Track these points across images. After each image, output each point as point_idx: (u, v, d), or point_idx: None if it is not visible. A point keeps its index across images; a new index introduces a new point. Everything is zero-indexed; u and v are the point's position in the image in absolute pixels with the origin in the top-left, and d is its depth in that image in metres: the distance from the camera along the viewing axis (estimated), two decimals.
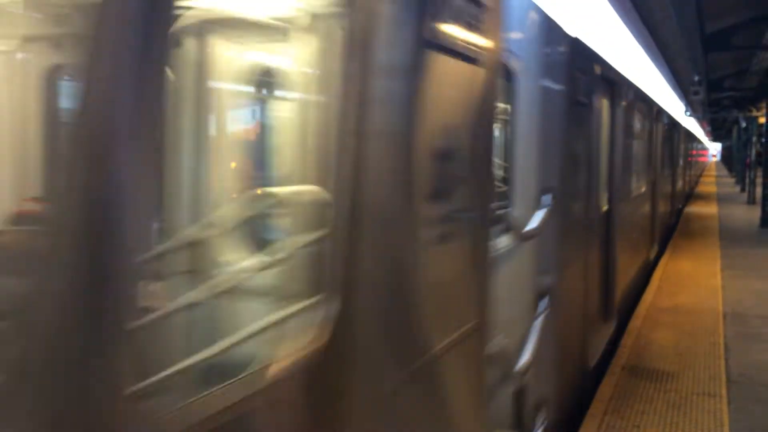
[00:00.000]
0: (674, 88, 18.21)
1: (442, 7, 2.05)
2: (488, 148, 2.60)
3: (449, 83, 2.19)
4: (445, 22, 2.07)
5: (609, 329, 6.03)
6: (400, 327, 1.93)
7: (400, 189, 1.88)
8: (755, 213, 16.76)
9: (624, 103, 6.55)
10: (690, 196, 25.56)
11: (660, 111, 10.08)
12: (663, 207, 11.81)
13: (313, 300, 1.56)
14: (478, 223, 2.53)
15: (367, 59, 1.67)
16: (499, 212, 3.37)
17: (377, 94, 1.73)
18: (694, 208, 20.79)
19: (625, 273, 7.09)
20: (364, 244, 1.70)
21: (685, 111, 18.66)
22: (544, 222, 3.51)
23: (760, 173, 22.56)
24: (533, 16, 3.65)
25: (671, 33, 10.38)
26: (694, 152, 31.84)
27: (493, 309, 2.67)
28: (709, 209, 20.25)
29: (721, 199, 23.67)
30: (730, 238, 13.78)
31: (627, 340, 6.68)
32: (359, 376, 1.70)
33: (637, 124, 8.01)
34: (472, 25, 2.26)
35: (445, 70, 2.13)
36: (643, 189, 8.79)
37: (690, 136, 23.42)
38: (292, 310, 1.61)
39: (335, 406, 1.60)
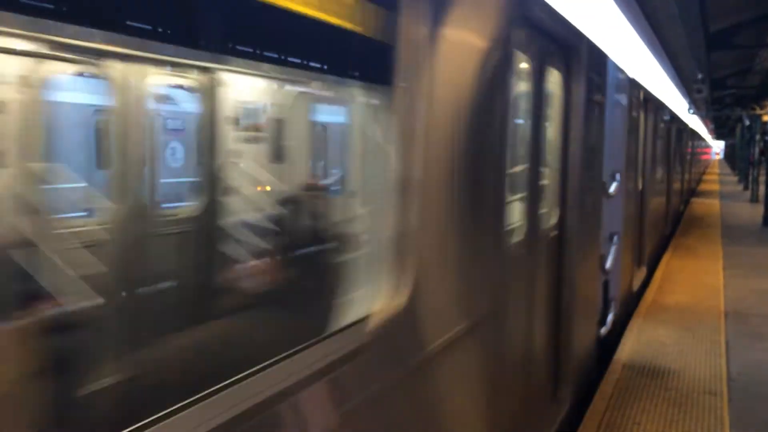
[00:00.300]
0: (678, 86, 18.23)
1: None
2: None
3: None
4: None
5: (642, 273, 8.59)
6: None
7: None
8: (758, 211, 16.75)
9: (652, 114, 9.10)
10: (694, 191, 25.58)
11: (673, 116, 12.25)
12: (674, 195, 14.42)
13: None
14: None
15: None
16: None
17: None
18: (697, 206, 20.79)
19: (651, 238, 9.69)
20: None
21: (689, 109, 18.67)
22: (616, 190, 5.63)
23: (763, 171, 22.58)
24: (621, 74, 6.14)
25: (675, 31, 10.38)
26: (699, 150, 32.71)
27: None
28: (712, 207, 20.25)
29: (724, 197, 23.67)
30: (732, 236, 13.80)
31: (628, 338, 6.71)
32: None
33: (660, 128, 10.32)
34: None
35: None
36: (664, 176, 11.45)
37: (694, 135, 23.92)
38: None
39: (420, 337, 2.18)
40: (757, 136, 24.09)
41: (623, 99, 6.60)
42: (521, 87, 3.27)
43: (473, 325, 2.63)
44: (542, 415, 4.02)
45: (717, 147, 74.46)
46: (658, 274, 9.96)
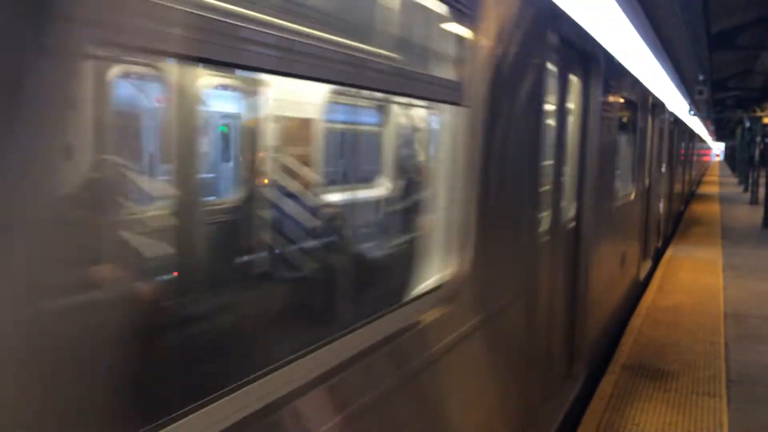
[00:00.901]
0: (679, 87, 18.19)
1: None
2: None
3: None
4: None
5: (648, 265, 9.37)
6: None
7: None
8: (758, 213, 16.74)
9: (658, 116, 9.66)
10: (694, 193, 25.55)
11: (676, 119, 12.84)
12: (676, 196, 15.11)
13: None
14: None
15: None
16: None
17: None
18: (697, 207, 20.77)
19: (655, 233, 10.30)
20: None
21: (690, 110, 18.64)
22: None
23: (762, 173, 22.55)
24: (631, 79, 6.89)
25: (677, 31, 10.35)
26: (699, 151, 32.95)
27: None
28: (712, 208, 20.23)
29: (724, 199, 23.65)
30: (732, 238, 13.77)
31: (627, 339, 6.69)
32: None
33: (664, 130, 10.93)
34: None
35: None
36: (667, 176, 12.08)
37: (695, 136, 24.16)
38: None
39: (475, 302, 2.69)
40: (758, 138, 24.07)
41: (634, 103, 7.17)
42: (551, 94, 3.77)
43: (514, 299, 3.21)
44: (559, 388, 4.36)
45: (717, 149, 74.47)
46: (658, 274, 9.94)
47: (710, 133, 51.09)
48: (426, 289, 2.36)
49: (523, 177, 3.23)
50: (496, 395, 3.10)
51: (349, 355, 1.77)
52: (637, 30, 10.13)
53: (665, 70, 15.10)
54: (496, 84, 2.71)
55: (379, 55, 2.15)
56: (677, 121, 14.30)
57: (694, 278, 9.63)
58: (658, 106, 9.74)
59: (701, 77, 13.92)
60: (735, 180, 37.65)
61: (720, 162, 74.96)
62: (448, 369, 2.48)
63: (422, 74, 2.40)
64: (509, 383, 3.27)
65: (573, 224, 4.67)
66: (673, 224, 15.02)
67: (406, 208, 4.27)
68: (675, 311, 7.78)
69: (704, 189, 31.35)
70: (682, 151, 17.34)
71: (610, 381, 5.53)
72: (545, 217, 3.85)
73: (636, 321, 7.38)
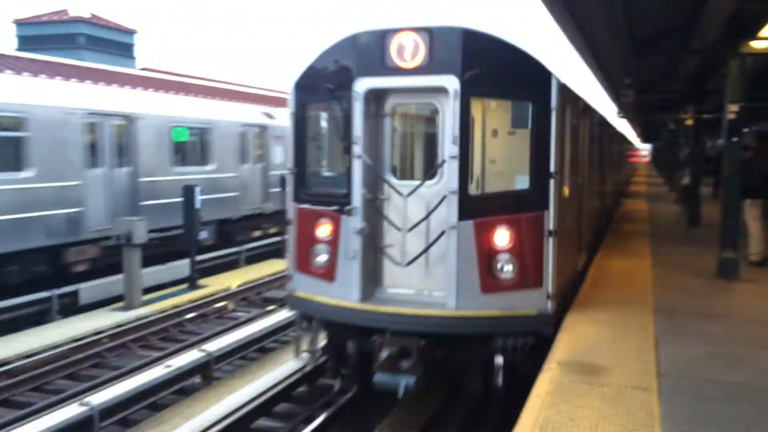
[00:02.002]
0: (607, 91, 18.76)
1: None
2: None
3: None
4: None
5: (583, 258, 10.13)
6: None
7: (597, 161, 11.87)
8: (683, 212, 17.43)
9: (588, 119, 9.99)
10: (623, 192, 26.37)
11: (606, 122, 13.71)
12: (607, 196, 16.54)
13: None
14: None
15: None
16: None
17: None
18: (627, 207, 21.48)
19: (588, 229, 11.02)
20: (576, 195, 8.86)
21: (618, 113, 19.29)
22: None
23: (687, 174, 23.44)
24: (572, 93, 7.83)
25: (604, 38, 10.70)
26: (628, 153, 34.52)
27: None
28: (641, 208, 20.96)
29: (652, 199, 24.52)
30: (659, 236, 14.31)
31: (563, 336, 6.84)
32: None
33: (594, 132, 11.49)
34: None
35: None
36: (598, 176, 13.12)
37: (623, 138, 25.22)
38: None
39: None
40: (681, 140, 25.06)
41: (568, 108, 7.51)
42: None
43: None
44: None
45: (645, 150, 77.16)
46: (591, 271, 10.23)
47: (638, 135, 53.00)
48: None
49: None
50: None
51: None
52: (570, 41, 10.48)
53: (594, 74, 15.57)
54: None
55: None
56: (607, 124, 15.15)
57: (626, 275, 9.95)
58: (588, 110, 10.12)
59: (627, 81, 14.42)
60: (661, 180, 39.09)
61: (648, 163, 77.67)
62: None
63: None
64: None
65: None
66: (605, 222, 15.93)
67: None
68: (608, 307, 8.01)
69: (633, 189, 32.45)
70: (612, 153, 18.66)
71: (546, 378, 5.65)
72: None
73: (570, 318, 7.56)
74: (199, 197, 14.08)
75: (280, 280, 15.58)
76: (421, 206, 6.89)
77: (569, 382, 5.54)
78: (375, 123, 7.04)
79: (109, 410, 7.31)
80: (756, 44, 9.32)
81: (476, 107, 6.97)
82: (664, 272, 10.17)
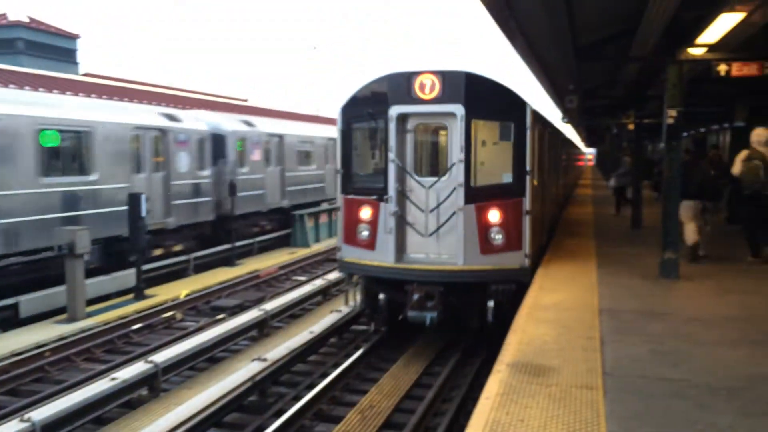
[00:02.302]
0: (552, 96, 19.14)
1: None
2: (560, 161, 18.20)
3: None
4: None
5: (545, 235, 13.13)
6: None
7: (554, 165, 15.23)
8: (627, 214, 17.89)
9: (538, 124, 11.11)
10: (570, 196, 26.92)
11: (552, 127, 14.35)
12: (555, 199, 17.43)
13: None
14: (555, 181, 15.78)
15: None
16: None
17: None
18: (573, 209, 21.94)
19: (550, 210, 14.47)
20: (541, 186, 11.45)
21: (563, 118, 19.71)
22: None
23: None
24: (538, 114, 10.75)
25: (548, 46, 10.92)
26: (574, 157, 35.57)
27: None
28: (586, 210, 21.43)
29: (596, 202, 25.08)
30: (604, 237, 14.66)
31: (512, 338, 6.94)
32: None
33: (552, 142, 14.13)
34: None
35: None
36: (557, 172, 16.71)
37: (569, 143, 26.40)
38: None
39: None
40: (624, 144, 25.74)
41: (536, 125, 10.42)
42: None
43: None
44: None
45: (590, 154, 78.96)
46: (540, 273, 10.41)
47: (582, 139, 54.24)
48: None
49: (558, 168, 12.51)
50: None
51: None
52: (516, 50, 10.65)
53: (540, 81, 15.86)
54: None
55: None
56: (553, 129, 15.90)
57: (572, 276, 10.16)
58: (547, 124, 12.58)
59: (571, 87, 14.75)
60: (605, 183, 40.04)
61: (593, 166, 79.51)
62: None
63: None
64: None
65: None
66: (558, 212, 18.43)
67: None
68: (555, 308, 8.16)
69: (579, 192, 33.15)
70: (563, 157, 21.26)
71: (496, 380, 5.72)
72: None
73: (520, 320, 7.68)
74: (144, 205, 13.79)
75: (230, 288, 15.38)
76: (435, 195, 9.79)
77: (518, 384, 5.62)
78: (402, 137, 9.85)
79: (51, 426, 7.07)
80: (693, 51, 9.65)
81: (472, 125, 9.59)
82: (609, 273, 10.42)
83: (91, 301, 13.18)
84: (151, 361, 8.68)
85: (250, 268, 17.78)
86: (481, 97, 9.60)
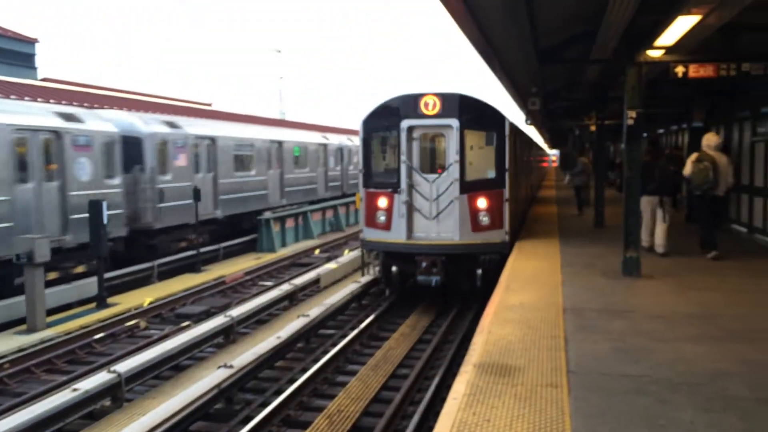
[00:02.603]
0: (515, 98, 19.34)
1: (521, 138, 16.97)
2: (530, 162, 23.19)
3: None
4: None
5: (519, 221, 15.94)
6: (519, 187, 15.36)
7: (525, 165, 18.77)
8: (589, 214, 18.16)
9: (521, 138, 15.09)
10: (535, 198, 27.21)
11: (517, 129, 15.56)
12: (522, 190, 19.44)
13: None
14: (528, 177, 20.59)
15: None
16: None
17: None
18: (538, 209, 22.18)
19: (523, 200, 18.27)
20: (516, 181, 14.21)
21: (526, 120, 19.94)
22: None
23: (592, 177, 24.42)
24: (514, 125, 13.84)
25: (510, 49, 11.03)
26: (538, 158, 36.80)
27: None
28: (550, 211, 21.69)
29: (560, 202, 25.40)
30: (568, 237, 14.85)
31: (478, 339, 6.98)
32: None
33: (522, 146, 16.80)
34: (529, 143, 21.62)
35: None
36: (526, 170, 19.84)
37: (533, 144, 27.70)
38: None
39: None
40: (587, 145, 26.13)
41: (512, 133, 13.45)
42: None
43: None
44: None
45: (554, 155, 79.95)
46: (505, 273, 10.49)
47: (545, 141, 54.94)
48: None
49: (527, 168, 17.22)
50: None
51: None
52: (480, 53, 10.72)
53: (503, 84, 16.01)
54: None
55: None
56: (525, 137, 17.35)
57: (537, 276, 10.26)
58: (519, 131, 15.70)
59: (534, 89, 14.92)
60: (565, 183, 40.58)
61: (557, 168, 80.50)
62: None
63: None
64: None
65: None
66: (527, 205, 21.37)
67: None
68: (521, 308, 8.24)
69: (543, 193, 33.53)
70: (529, 159, 23.49)
71: (462, 381, 5.74)
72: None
73: (485, 321, 7.72)
74: (105, 212, 13.54)
75: (195, 294, 15.19)
76: (436, 188, 12.54)
77: (484, 384, 5.65)
78: (410, 143, 12.56)
79: None
80: (652, 53, 9.85)
81: (464, 134, 12.44)
82: (573, 272, 10.55)
83: (52, 311, 12.90)
84: (114, 371, 8.51)
85: (216, 274, 17.59)
86: (471, 113, 12.50)
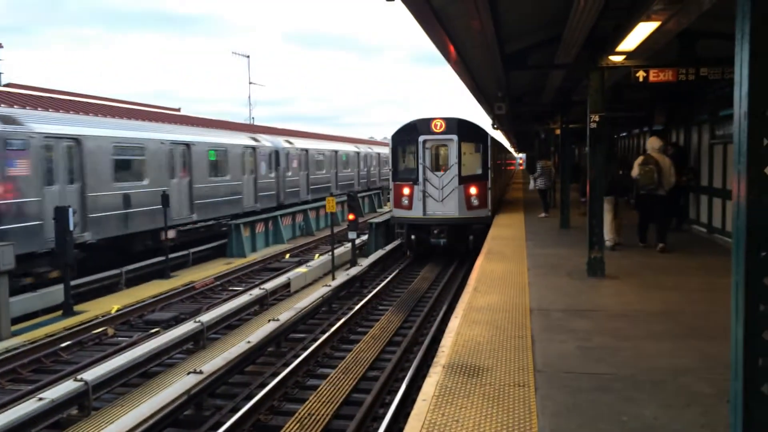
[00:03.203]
0: (482, 103, 19.54)
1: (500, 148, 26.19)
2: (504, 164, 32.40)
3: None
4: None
5: (497, 205, 21.95)
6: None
7: (498, 166, 25.50)
8: (556, 216, 18.43)
9: (497, 147, 23.43)
10: (502, 200, 27.52)
11: (501, 146, 24.73)
12: (502, 180, 27.35)
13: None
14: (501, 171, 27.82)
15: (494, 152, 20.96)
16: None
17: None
18: (505, 211, 22.44)
19: (499, 190, 26.09)
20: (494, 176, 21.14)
21: (492, 124, 20.20)
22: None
23: (558, 180, 24.78)
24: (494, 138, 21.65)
25: (476, 55, 11.17)
26: (506, 161, 38.53)
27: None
28: (517, 213, 21.95)
29: (527, 204, 25.71)
30: (535, 239, 15.06)
31: (447, 340, 7.07)
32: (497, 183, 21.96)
33: (497, 153, 23.18)
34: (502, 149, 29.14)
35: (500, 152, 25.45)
36: (500, 169, 27.03)
37: (503, 147, 33.36)
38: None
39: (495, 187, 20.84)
40: (552, 148, 26.50)
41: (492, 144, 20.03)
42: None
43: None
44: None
45: (520, 158, 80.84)
46: (474, 276, 10.61)
47: (512, 145, 55.55)
48: None
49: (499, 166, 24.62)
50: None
51: None
52: (447, 59, 10.80)
53: (470, 89, 16.18)
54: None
55: None
56: (501, 146, 24.86)
57: (504, 278, 10.41)
58: (496, 141, 21.72)
59: (500, 94, 15.12)
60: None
61: (523, 170, 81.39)
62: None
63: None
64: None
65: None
66: (501, 199, 26.41)
67: None
68: (488, 310, 8.35)
69: (511, 195, 33.89)
70: (502, 161, 30.38)
71: (432, 382, 5.82)
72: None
73: (454, 322, 7.82)
74: (72, 219, 13.35)
75: (164, 300, 15.05)
76: (442, 181, 18.52)
77: (453, 385, 5.74)
78: (424, 151, 18.46)
79: None
80: (613, 58, 10.07)
81: (465, 146, 18.71)
82: (539, 274, 10.73)
83: (17, 320, 12.68)
84: (80, 379, 8.41)
85: (185, 279, 17.45)
86: (465, 130, 18.87)
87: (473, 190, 18.67)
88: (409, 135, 18.99)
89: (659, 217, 13.09)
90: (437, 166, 19.07)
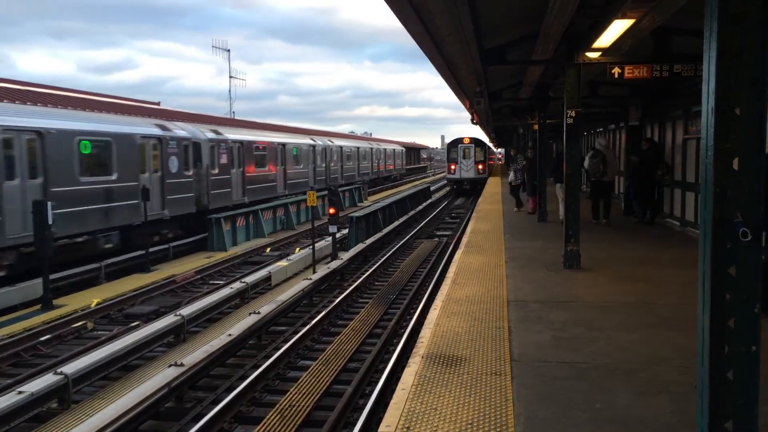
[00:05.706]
0: (461, 98, 19.67)
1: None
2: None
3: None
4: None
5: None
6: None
7: (489, 157, 53.22)
8: (528, 209, 18.65)
9: (487, 147, 50.41)
10: (481, 193, 27.73)
11: (487, 145, 40.93)
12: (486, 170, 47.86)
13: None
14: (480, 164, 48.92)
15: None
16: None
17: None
18: (483, 206, 22.62)
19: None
20: (487, 160, 50.13)
21: (471, 119, 20.33)
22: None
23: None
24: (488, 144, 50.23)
25: (455, 49, 11.28)
26: (489, 156, 49.99)
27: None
28: (495, 207, 22.16)
29: (505, 198, 25.93)
30: (512, 232, 15.26)
31: (425, 331, 7.20)
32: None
33: (488, 150, 53.45)
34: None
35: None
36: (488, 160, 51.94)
37: (489, 149, 45.49)
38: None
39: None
40: (530, 144, 26.74)
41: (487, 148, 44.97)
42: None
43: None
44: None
45: (499, 153, 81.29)
46: (452, 269, 10.75)
47: (491, 140, 56.06)
48: None
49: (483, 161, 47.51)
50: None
51: None
52: (426, 54, 10.87)
53: (449, 84, 16.30)
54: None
55: None
56: (487, 146, 40.59)
57: (483, 271, 10.56)
58: (486, 144, 35.83)
59: (478, 89, 15.26)
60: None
61: (502, 165, 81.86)
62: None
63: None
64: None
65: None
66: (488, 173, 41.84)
67: None
68: (467, 301, 8.50)
69: (491, 189, 34.14)
70: (488, 156, 50.06)
71: (411, 372, 5.94)
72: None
73: (433, 314, 7.95)
74: (50, 212, 13.28)
75: (145, 294, 15.02)
76: (467, 163, 45.13)
77: (432, 374, 5.86)
78: (459, 150, 45.44)
79: None
80: (590, 54, 10.24)
81: (476, 149, 45.54)
82: (517, 266, 10.90)
83: None
84: (60, 372, 8.42)
85: (166, 273, 17.41)
86: (476, 141, 44.95)
87: (480, 167, 44.08)
88: (453, 144, 45.42)
89: (606, 198, 16.08)
90: (465, 156, 44.11)
